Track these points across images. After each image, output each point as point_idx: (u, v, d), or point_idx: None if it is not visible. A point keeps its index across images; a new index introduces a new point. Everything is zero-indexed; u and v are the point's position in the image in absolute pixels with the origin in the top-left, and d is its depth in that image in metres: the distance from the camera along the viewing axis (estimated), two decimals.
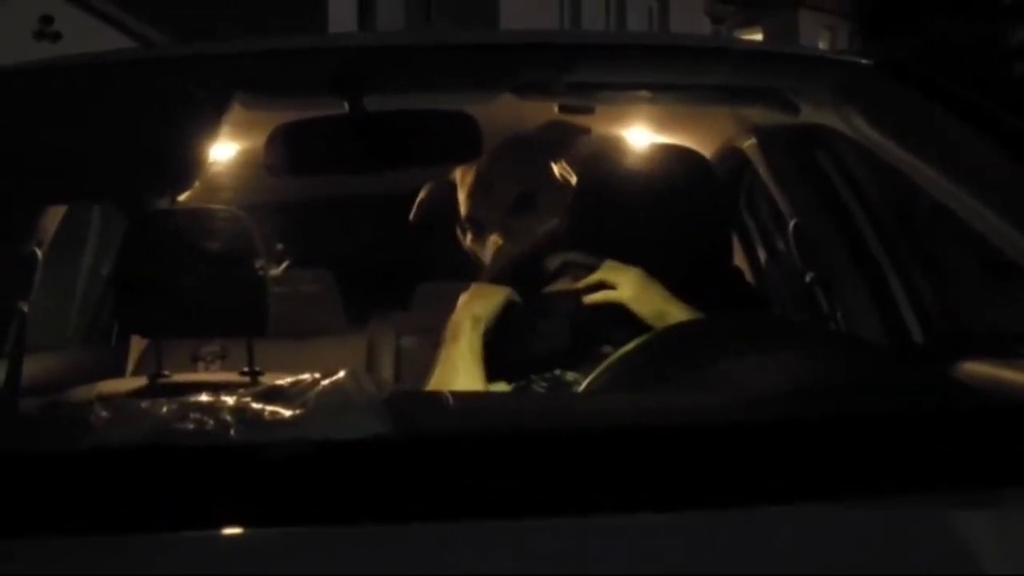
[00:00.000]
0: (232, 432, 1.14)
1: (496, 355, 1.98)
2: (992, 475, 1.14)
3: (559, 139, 2.48)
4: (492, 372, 1.96)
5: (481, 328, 1.99)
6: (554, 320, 2.00)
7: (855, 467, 1.13)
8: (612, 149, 2.46)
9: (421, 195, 2.59)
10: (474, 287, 2.08)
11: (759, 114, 2.35)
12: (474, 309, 2.01)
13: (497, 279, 2.15)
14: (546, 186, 2.42)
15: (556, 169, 2.46)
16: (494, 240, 2.36)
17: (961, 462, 1.15)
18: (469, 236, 2.44)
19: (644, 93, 2.19)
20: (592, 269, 2.07)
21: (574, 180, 2.46)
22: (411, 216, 2.60)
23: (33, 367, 2.32)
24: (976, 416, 1.33)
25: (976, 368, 2.05)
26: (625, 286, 2.02)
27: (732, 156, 2.72)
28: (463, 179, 2.42)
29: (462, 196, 2.43)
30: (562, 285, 2.10)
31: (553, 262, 2.12)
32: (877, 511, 1.08)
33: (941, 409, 1.39)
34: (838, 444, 1.17)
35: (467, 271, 2.46)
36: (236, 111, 1.90)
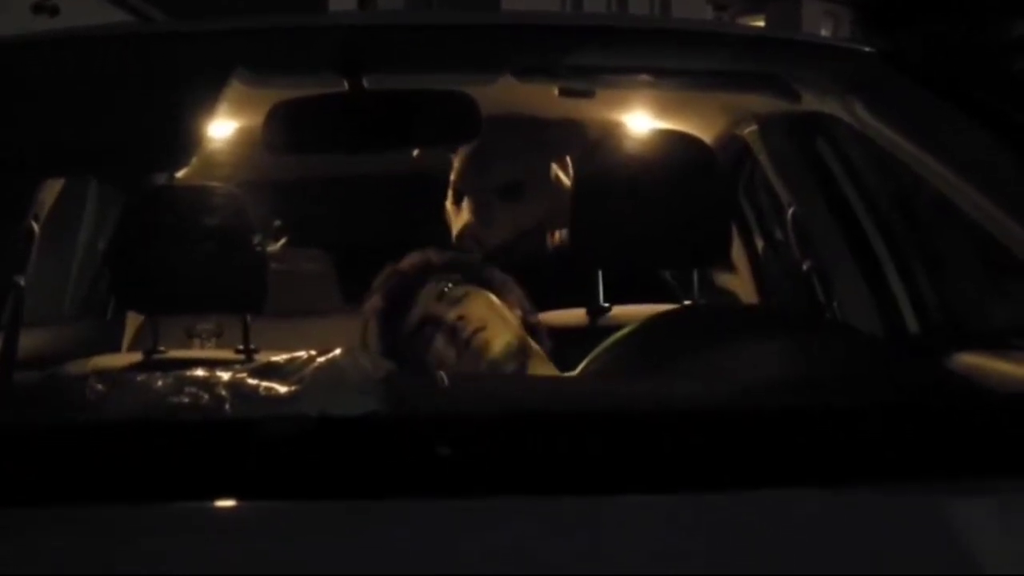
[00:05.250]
0: (227, 407, 1.14)
1: None
2: (986, 465, 1.14)
3: (566, 139, 2.50)
4: None
5: None
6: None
7: (845, 456, 1.13)
8: (612, 134, 2.46)
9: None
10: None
11: (760, 101, 2.34)
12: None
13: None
14: (538, 182, 2.44)
15: (553, 168, 2.48)
16: (466, 216, 2.39)
17: (954, 452, 1.15)
18: (451, 196, 2.47)
19: (645, 77, 2.19)
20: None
21: (568, 183, 2.48)
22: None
23: (29, 341, 2.32)
24: (969, 406, 1.33)
25: (971, 359, 2.05)
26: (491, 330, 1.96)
27: (732, 143, 2.72)
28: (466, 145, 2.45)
29: (458, 161, 2.46)
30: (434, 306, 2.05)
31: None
32: (866, 499, 1.08)
33: (933, 399, 1.40)
34: (828, 433, 1.17)
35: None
36: (235, 88, 1.89)
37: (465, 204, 2.46)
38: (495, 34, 2.06)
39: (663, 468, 1.09)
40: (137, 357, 2.29)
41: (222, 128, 2.39)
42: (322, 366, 1.19)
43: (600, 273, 2.27)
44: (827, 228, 2.55)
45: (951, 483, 1.11)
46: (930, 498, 1.09)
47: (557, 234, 2.55)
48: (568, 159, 2.58)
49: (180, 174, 2.45)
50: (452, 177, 2.50)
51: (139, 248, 2.18)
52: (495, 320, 1.96)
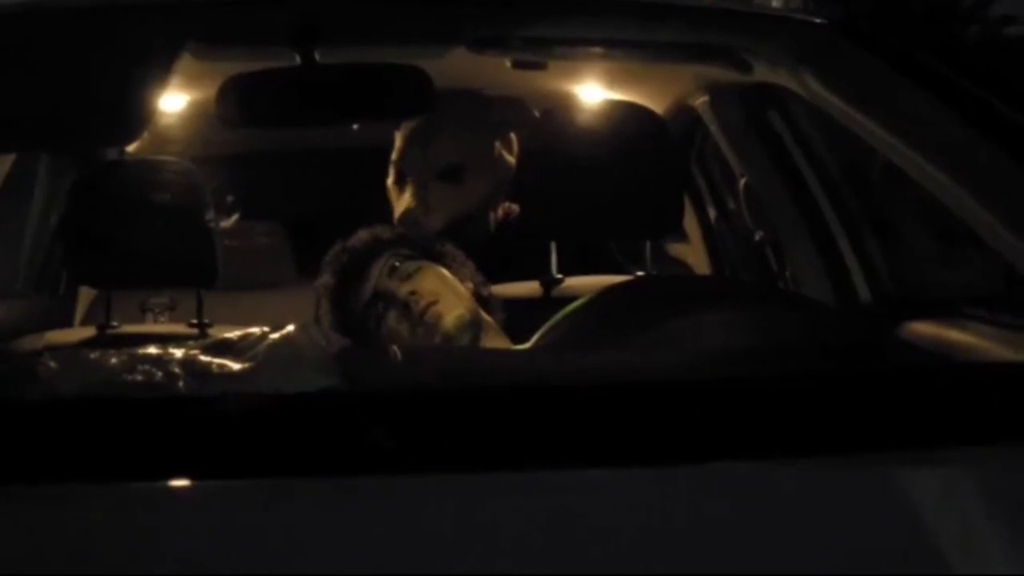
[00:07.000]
0: (181, 384, 1.14)
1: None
2: (937, 434, 1.15)
3: (510, 119, 2.50)
4: None
5: None
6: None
7: (798, 426, 1.14)
8: (563, 106, 2.46)
9: None
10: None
11: (712, 72, 2.35)
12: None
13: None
14: (480, 163, 2.43)
15: (496, 146, 2.47)
16: (408, 200, 2.39)
17: (905, 421, 1.16)
18: (392, 176, 2.46)
19: (598, 49, 2.18)
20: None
21: (512, 160, 2.47)
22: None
23: None
24: (920, 375, 1.34)
25: (922, 329, 2.07)
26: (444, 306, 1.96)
27: (684, 114, 2.72)
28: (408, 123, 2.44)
29: (400, 139, 2.44)
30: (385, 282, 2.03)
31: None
32: (818, 470, 1.09)
33: (883, 369, 1.41)
34: (781, 403, 1.17)
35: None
36: (187, 61, 1.88)
37: (407, 187, 2.45)
38: (448, 6, 2.05)
39: (617, 441, 1.09)
40: (90, 332, 2.28)
41: (174, 102, 2.38)
42: (276, 342, 1.19)
43: (553, 245, 2.27)
44: (779, 198, 2.56)
45: (902, 453, 1.12)
46: (880, 468, 1.10)
47: (502, 208, 2.55)
48: (512, 136, 2.57)
49: (132, 148, 2.44)
50: (393, 156, 2.47)
51: (91, 222, 2.16)
52: (447, 294, 1.96)
